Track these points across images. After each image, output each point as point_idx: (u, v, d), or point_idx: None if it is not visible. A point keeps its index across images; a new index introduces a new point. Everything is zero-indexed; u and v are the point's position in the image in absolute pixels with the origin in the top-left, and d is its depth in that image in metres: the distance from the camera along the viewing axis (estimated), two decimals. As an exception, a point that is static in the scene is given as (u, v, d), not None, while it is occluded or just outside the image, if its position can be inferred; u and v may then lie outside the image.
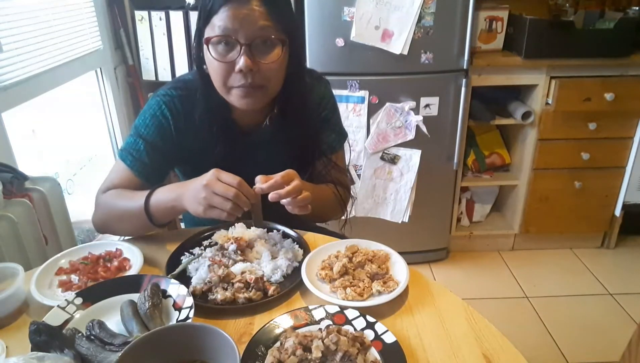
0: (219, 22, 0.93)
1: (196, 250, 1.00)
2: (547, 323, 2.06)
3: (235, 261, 0.94)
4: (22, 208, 1.24)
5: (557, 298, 2.21)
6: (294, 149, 1.12)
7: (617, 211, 2.38)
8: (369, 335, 0.76)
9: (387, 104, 2.11)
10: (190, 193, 0.92)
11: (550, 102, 2.18)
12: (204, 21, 0.97)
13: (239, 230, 1.03)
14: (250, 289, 0.88)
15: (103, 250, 1.00)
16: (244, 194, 0.89)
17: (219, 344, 0.66)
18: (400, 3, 1.93)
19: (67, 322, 0.79)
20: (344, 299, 0.84)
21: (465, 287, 2.32)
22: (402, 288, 0.86)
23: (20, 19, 1.61)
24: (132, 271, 0.93)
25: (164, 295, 0.84)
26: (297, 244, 1.02)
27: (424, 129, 2.15)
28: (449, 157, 2.22)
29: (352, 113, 2.13)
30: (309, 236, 1.07)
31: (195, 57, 1.04)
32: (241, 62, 0.94)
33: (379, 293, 0.86)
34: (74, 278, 0.92)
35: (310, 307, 0.82)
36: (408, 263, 0.93)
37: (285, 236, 1.05)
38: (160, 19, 2.20)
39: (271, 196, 0.90)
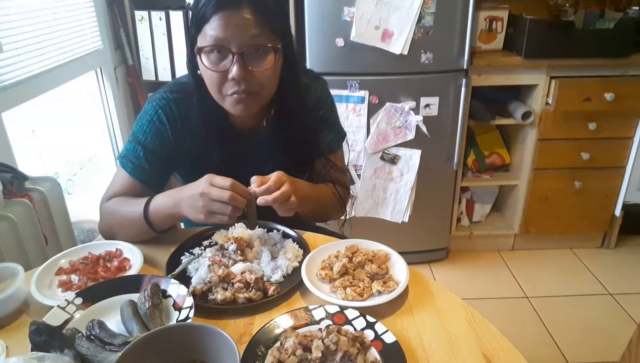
0: (210, 31, 0.93)
1: (196, 250, 1.00)
2: (547, 323, 2.06)
3: (235, 261, 0.94)
4: (22, 208, 1.24)
5: (557, 298, 2.21)
6: (292, 150, 1.12)
7: (617, 211, 2.38)
8: (369, 335, 0.76)
9: (387, 104, 2.11)
10: (188, 202, 0.93)
11: (550, 102, 2.18)
12: (195, 29, 0.96)
13: (239, 230, 1.03)
14: (250, 289, 0.88)
15: (103, 250, 1.01)
16: (239, 193, 0.89)
17: (219, 344, 0.66)
18: (400, 3, 1.93)
19: (67, 322, 0.79)
20: (344, 299, 0.84)
21: (465, 287, 2.32)
22: (402, 288, 0.86)
23: (20, 19, 1.61)
24: (132, 271, 0.93)
25: (164, 295, 0.85)
26: (297, 244, 1.02)
27: (424, 129, 2.15)
28: (449, 157, 2.22)
29: (352, 113, 2.13)
30: (309, 236, 1.07)
31: (189, 62, 1.04)
32: (234, 71, 0.94)
33: (379, 293, 0.86)
34: (74, 278, 0.92)
35: (310, 307, 0.82)
36: (408, 263, 0.93)
37: (285, 236, 1.05)
38: (160, 19, 2.20)
39: (259, 201, 0.91)
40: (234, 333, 0.80)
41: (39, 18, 1.71)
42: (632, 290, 2.24)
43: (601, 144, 2.25)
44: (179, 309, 0.82)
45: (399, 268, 0.92)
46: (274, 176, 0.94)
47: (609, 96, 2.10)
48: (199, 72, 1.02)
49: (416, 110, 2.12)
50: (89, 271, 0.94)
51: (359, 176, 2.24)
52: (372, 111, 2.12)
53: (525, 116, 2.22)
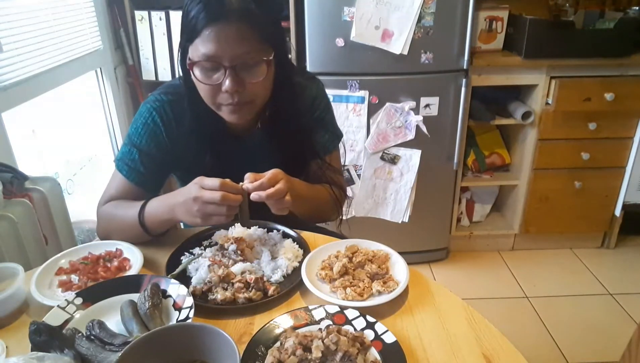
0: (202, 45, 0.92)
1: (196, 250, 1.00)
2: (547, 323, 2.06)
3: (235, 261, 0.94)
4: (22, 208, 1.24)
5: (557, 298, 2.21)
6: (288, 151, 1.12)
7: (617, 211, 2.38)
8: (369, 335, 0.76)
9: (387, 104, 2.11)
10: (183, 208, 0.93)
11: (550, 102, 2.18)
12: (186, 39, 0.96)
13: (239, 229, 1.03)
14: (250, 289, 0.88)
15: (103, 250, 1.01)
16: (231, 192, 0.89)
17: (219, 344, 0.66)
18: (400, 3, 1.93)
19: (67, 322, 0.79)
20: (344, 299, 0.84)
21: (465, 287, 2.32)
22: (402, 288, 0.86)
23: (20, 19, 1.61)
24: (132, 271, 0.93)
25: (164, 295, 0.85)
26: (297, 244, 1.02)
27: (424, 129, 2.15)
28: (449, 157, 2.22)
29: (352, 113, 2.13)
30: (309, 236, 1.07)
31: (180, 68, 1.03)
32: (227, 84, 0.94)
33: (379, 293, 0.86)
34: (74, 278, 0.92)
35: (310, 307, 0.82)
36: (408, 263, 0.93)
37: (285, 236, 1.05)
38: (160, 19, 2.20)
39: (253, 196, 0.91)
40: (234, 333, 0.80)
41: (39, 18, 1.71)
42: (632, 290, 2.24)
43: (601, 144, 2.25)
44: (179, 309, 0.82)
45: (399, 268, 0.92)
46: (269, 173, 0.94)
47: (609, 96, 2.10)
48: (191, 78, 1.02)
49: (416, 110, 2.12)
50: (89, 271, 0.94)
51: (359, 176, 2.24)
52: (372, 111, 2.12)
53: (525, 116, 2.22)
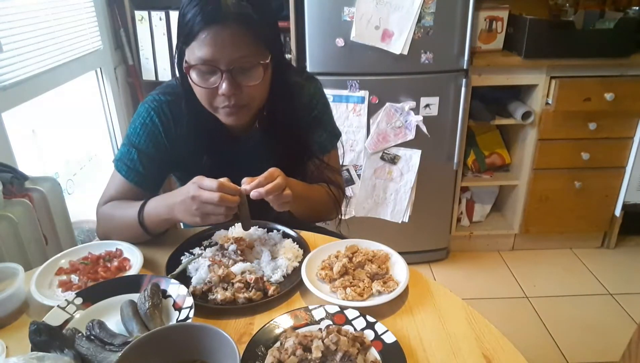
0: (198, 49, 0.92)
1: (196, 250, 1.00)
2: (547, 323, 2.06)
3: (235, 261, 0.94)
4: (22, 208, 1.24)
5: (557, 298, 2.21)
6: (286, 151, 1.12)
7: (617, 211, 2.38)
8: (369, 335, 0.76)
9: (387, 104, 2.11)
10: (182, 207, 0.92)
11: (550, 102, 2.18)
12: (183, 42, 0.96)
13: (239, 229, 1.03)
14: (250, 289, 0.88)
15: (103, 250, 1.01)
16: (229, 193, 0.89)
17: (219, 344, 0.66)
18: (400, 3, 1.93)
19: (67, 321, 0.79)
20: (344, 299, 0.84)
21: (465, 287, 2.32)
22: (402, 288, 0.86)
23: (20, 19, 1.61)
24: (132, 271, 0.93)
25: (164, 295, 0.85)
26: (297, 244, 1.02)
27: (424, 129, 2.15)
28: (449, 157, 2.22)
29: (352, 113, 2.13)
30: (309, 236, 1.07)
31: (177, 71, 1.03)
32: (223, 87, 0.94)
33: (379, 293, 0.86)
34: (74, 278, 0.92)
35: (310, 307, 0.82)
36: (408, 263, 0.93)
37: (285, 236, 1.05)
38: (160, 19, 2.20)
39: (252, 193, 0.90)
40: (234, 333, 0.80)
41: (39, 18, 1.71)
42: (632, 290, 2.24)
43: (601, 144, 2.25)
44: (179, 309, 0.82)
45: (399, 268, 0.92)
46: (265, 173, 0.94)
47: (609, 96, 2.10)
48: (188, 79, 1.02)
49: (416, 110, 2.12)
50: (89, 271, 0.94)
51: (359, 176, 2.24)
52: (372, 111, 2.12)
53: (525, 116, 2.22)
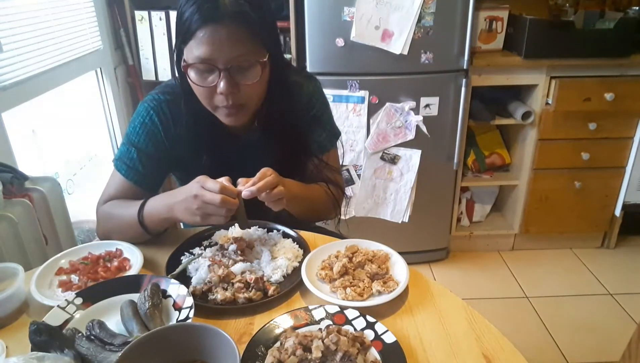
0: (196, 47, 0.92)
1: (196, 250, 1.00)
2: (547, 323, 2.06)
3: (235, 261, 0.94)
4: (22, 208, 1.24)
5: (557, 298, 2.21)
6: (285, 149, 1.12)
7: (617, 211, 2.38)
8: (369, 335, 0.76)
9: (387, 104, 2.11)
10: (183, 206, 0.93)
11: (550, 102, 2.18)
12: (181, 40, 0.96)
13: (239, 229, 1.03)
14: (250, 289, 0.88)
15: (103, 250, 1.01)
16: (229, 195, 0.89)
17: (219, 344, 0.66)
18: (400, 3, 1.93)
19: (67, 322, 0.79)
20: (344, 299, 0.84)
21: (465, 287, 2.32)
22: (402, 288, 0.86)
23: (20, 19, 1.61)
24: (132, 271, 0.93)
25: (164, 295, 0.85)
26: (297, 244, 1.02)
27: (424, 129, 2.15)
28: (449, 157, 2.22)
29: (352, 113, 2.13)
30: (309, 236, 1.07)
31: (176, 70, 1.03)
32: (221, 86, 0.94)
33: (379, 293, 0.86)
34: (74, 278, 0.92)
35: (310, 307, 0.82)
36: (408, 263, 0.93)
37: (285, 236, 1.05)
38: (160, 19, 2.20)
39: (244, 193, 0.91)
40: (234, 333, 0.80)
41: (39, 18, 1.71)
42: (632, 290, 2.24)
43: (601, 144, 2.25)
44: (179, 309, 0.82)
45: (399, 268, 0.92)
46: (258, 173, 0.94)
47: (609, 96, 2.10)
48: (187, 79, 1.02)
49: (416, 110, 2.12)
50: (89, 271, 0.94)
51: (359, 176, 2.24)
52: (372, 111, 2.12)
53: (525, 116, 2.22)
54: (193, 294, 0.85)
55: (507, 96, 2.37)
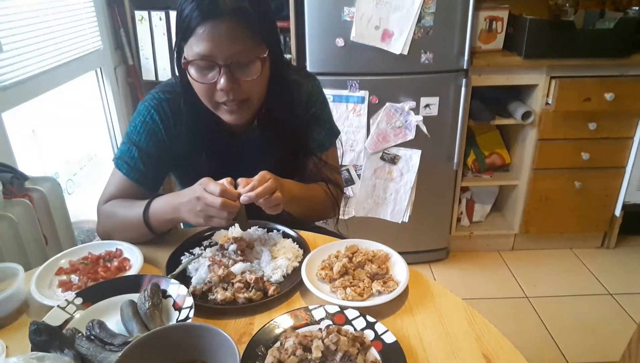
0: (196, 44, 0.92)
1: (196, 250, 1.00)
2: (547, 323, 2.06)
3: (235, 261, 0.94)
4: (22, 208, 1.24)
5: (557, 298, 2.21)
6: (284, 148, 1.12)
7: (617, 211, 2.38)
8: (369, 335, 0.76)
9: (387, 104, 2.11)
10: (187, 207, 0.93)
11: (550, 102, 2.18)
12: (181, 38, 0.96)
13: (239, 229, 1.03)
14: (250, 289, 0.88)
15: (103, 250, 1.01)
16: (230, 198, 0.90)
17: (219, 344, 0.66)
18: (400, 3, 1.93)
19: (67, 322, 0.79)
20: (344, 299, 0.84)
21: (465, 287, 2.32)
22: (402, 288, 0.86)
23: (20, 19, 1.61)
24: (132, 271, 0.93)
25: (164, 295, 0.85)
26: (297, 244, 1.02)
27: (424, 129, 2.15)
28: (449, 157, 2.22)
29: (352, 113, 2.13)
30: (309, 236, 1.07)
31: (176, 68, 1.03)
32: (222, 82, 0.94)
33: (379, 293, 0.86)
34: (74, 278, 0.92)
35: (310, 307, 0.82)
36: (408, 263, 0.93)
37: (285, 236, 1.05)
38: (160, 19, 2.20)
39: (242, 198, 0.91)
40: (234, 333, 0.80)
41: (39, 18, 1.71)
42: (632, 290, 2.24)
43: (601, 144, 2.25)
44: (179, 309, 0.82)
45: (399, 268, 0.92)
46: (257, 176, 0.94)
47: (609, 96, 2.10)
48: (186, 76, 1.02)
49: (416, 110, 2.12)
50: (89, 271, 0.94)
51: (359, 176, 2.24)
52: (372, 111, 2.12)
53: (525, 116, 2.22)
54: (193, 294, 0.85)
55: (507, 96, 2.37)
